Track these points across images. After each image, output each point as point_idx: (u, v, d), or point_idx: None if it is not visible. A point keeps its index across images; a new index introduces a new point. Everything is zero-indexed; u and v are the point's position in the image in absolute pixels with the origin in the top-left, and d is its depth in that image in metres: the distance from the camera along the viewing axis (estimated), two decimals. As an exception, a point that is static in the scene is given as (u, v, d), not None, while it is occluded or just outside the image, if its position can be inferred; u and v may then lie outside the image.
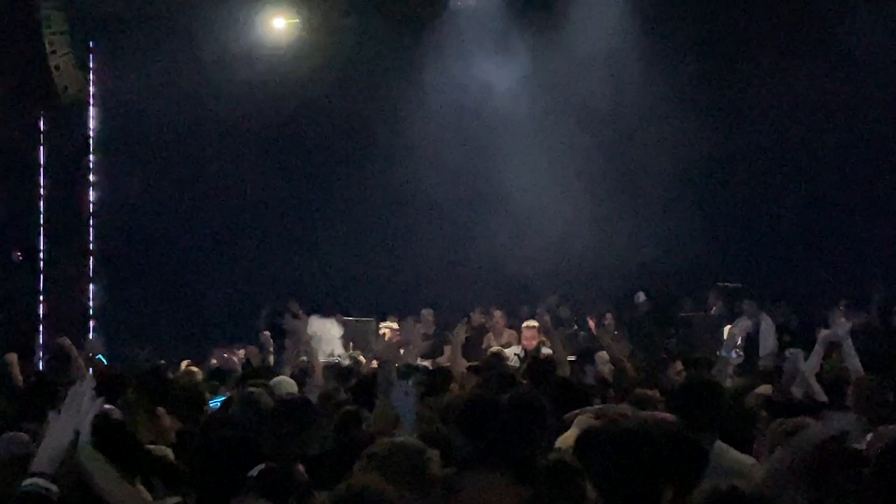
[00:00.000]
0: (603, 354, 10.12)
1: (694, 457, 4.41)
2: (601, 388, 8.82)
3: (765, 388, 7.78)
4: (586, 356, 10.24)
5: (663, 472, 3.78)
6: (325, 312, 14.55)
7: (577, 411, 6.17)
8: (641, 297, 15.68)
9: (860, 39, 15.68)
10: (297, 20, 17.40)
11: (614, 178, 16.56)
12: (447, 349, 13.55)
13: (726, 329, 13.54)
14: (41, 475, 3.72)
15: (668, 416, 6.28)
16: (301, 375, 9.72)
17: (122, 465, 4.59)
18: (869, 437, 5.19)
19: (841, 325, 8.49)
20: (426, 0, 17.27)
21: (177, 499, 4.83)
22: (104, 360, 12.80)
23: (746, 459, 5.42)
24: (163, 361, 12.14)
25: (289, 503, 4.10)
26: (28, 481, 3.74)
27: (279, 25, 17.52)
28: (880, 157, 15.70)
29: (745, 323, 13.73)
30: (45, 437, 4.07)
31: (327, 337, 14.12)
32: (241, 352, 13.05)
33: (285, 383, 8.65)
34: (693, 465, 4.19)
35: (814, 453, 4.43)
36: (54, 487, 3.67)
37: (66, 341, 11.86)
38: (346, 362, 12.01)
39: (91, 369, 11.32)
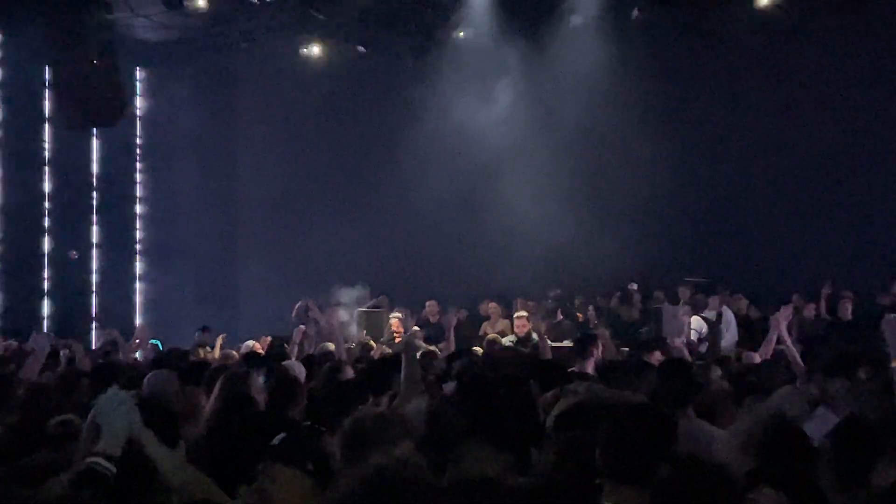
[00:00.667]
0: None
1: (664, 428, 4.30)
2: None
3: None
4: (587, 342, 9.72)
5: (641, 442, 3.80)
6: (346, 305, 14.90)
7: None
8: (634, 285, 15.78)
9: (802, 71, 15.97)
10: (319, 49, 17.50)
11: (593, 188, 16.58)
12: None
13: (693, 318, 13.71)
14: (103, 455, 3.77)
15: (638, 395, 6.53)
16: (322, 359, 9.77)
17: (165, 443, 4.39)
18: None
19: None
20: (430, 32, 17.23)
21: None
22: (160, 345, 12.95)
23: (715, 431, 5.51)
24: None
25: (308, 469, 3.78)
26: (90, 459, 3.79)
27: (307, 53, 17.60)
28: (826, 170, 15.73)
29: (710, 313, 13.88)
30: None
31: (349, 326, 14.41)
32: (268, 339, 12.88)
33: (295, 366, 8.67)
34: (664, 436, 4.06)
35: (760, 429, 4.71)
36: (112, 468, 3.72)
37: (116, 332, 12.06)
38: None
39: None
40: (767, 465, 4.12)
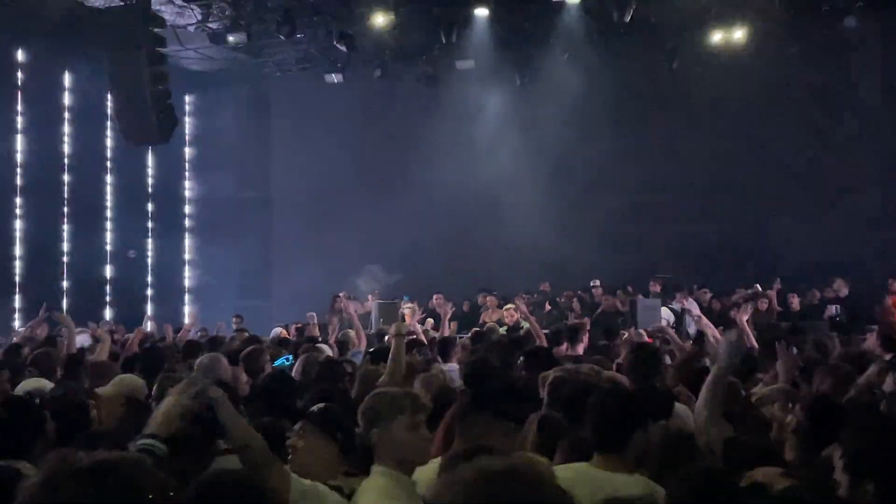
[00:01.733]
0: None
1: (638, 404, 4.21)
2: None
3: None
4: (577, 330, 9.76)
5: (627, 414, 3.77)
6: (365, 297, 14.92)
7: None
8: (595, 282, 15.59)
9: (751, 94, 15.89)
10: (341, 76, 17.47)
11: (575, 198, 16.51)
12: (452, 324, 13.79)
13: (662, 309, 13.70)
14: (154, 436, 3.62)
15: (620, 375, 6.48)
16: (345, 345, 9.84)
17: None
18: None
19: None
20: (437, 63, 17.17)
21: None
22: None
23: (683, 409, 5.34)
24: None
25: (337, 437, 3.82)
26: (144, 441, 3.87)
27: (330, 80, 17.53)
28: (774, 185, 15.74)
29: (678, 305, 13.88)
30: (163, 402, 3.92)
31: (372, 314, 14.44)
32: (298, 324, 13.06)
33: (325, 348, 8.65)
34: (639, 411, 3.98)
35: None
36: (164, 447, 3.56)
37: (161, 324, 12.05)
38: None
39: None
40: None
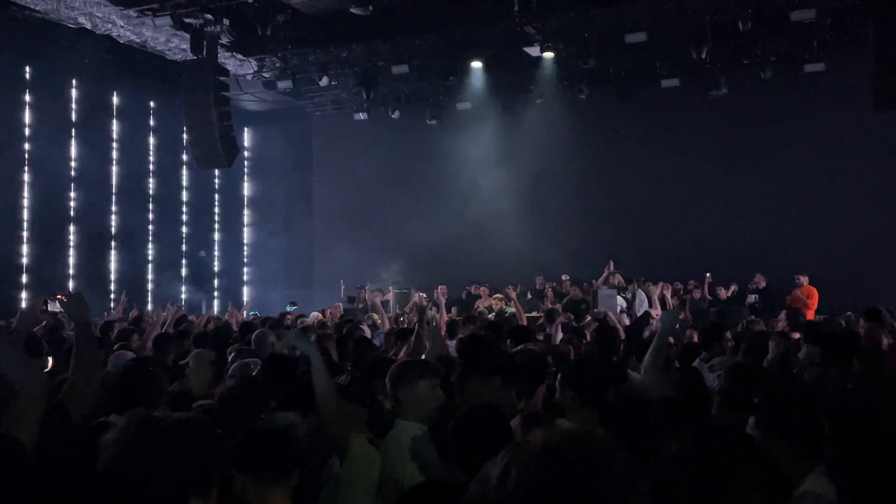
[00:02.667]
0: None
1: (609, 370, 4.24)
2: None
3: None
4: (554, 314, 9.90)
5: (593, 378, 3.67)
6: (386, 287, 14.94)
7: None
8: (566, 276, 15.55)
9: (699, 126, 15.93)
10: (366, 115, 17.47)
11: (549, 210, 16.49)
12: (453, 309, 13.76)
13: (618, 297, 13.64)
14: (209, 397, 3.79)
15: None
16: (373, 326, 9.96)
17: None
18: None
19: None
20: (442, 103, 17.18)
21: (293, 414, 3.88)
22: (258, 314, 12.92)
23: (636, 375, 5.32)
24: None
25: (365, 404, 3.73)
26: (200, 402, 3.78)
27: (358, 118, 17.50)
28: (710, 197, 15.69)
29: (629, 294, 13.85)
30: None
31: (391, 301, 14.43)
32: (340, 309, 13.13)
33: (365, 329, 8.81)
34: (610, 375, 3.93)
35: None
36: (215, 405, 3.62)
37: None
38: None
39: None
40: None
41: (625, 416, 2.95)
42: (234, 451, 2.66)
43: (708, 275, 14.30)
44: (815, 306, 12.83)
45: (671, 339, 6.69)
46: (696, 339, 7.31)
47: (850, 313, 10.61)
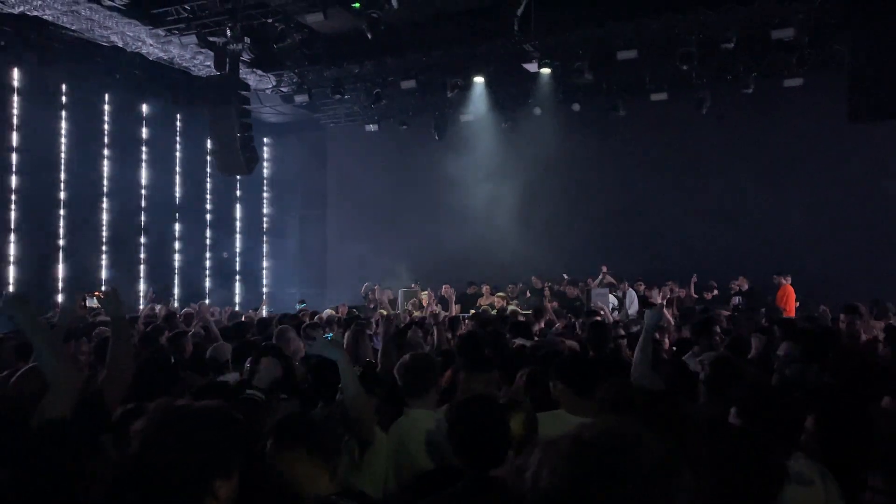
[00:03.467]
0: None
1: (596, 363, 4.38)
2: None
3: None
4: (540, 312, 10.05)
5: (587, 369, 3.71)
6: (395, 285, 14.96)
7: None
8: (566, 276, 15.57)
9: (686, 137, 15.89)
10: (377, 126, 17.50)
11: (548, 217, 16.47)
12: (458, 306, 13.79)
13: (610, 296, 13.68)
14: (258, 388, 3.71)
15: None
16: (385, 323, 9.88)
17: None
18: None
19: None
20: (446, 116, 17.19)
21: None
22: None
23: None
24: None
25: (374, 393, 3.76)
26: (250, 391, 3.79)
27: (369, 129, 17.55)
28: (698, 205, 15.66)
29: (620, 293, 13.88)
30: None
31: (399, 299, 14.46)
32: (346, 307, 13.07)
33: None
34: (600, 366, 4.03)
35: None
36: (263, 396, 3.64)
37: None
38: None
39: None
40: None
41: (761, 408, 2.86)
42: (301, 429, 2.60)
43: (694, 276, 14.36)
44: (792, 306, 12.86)
45: (657, 335, 6.76)
46: (688, 335, 7.31)
47: (823, 307, 10.62)
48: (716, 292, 14.14)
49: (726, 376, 4.00)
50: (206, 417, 1.88)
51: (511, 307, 12.82)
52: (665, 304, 12.17)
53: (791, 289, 13.20)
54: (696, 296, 14.06)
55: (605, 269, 14.51)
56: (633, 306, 13.14)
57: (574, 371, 3.66)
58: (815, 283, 13.24)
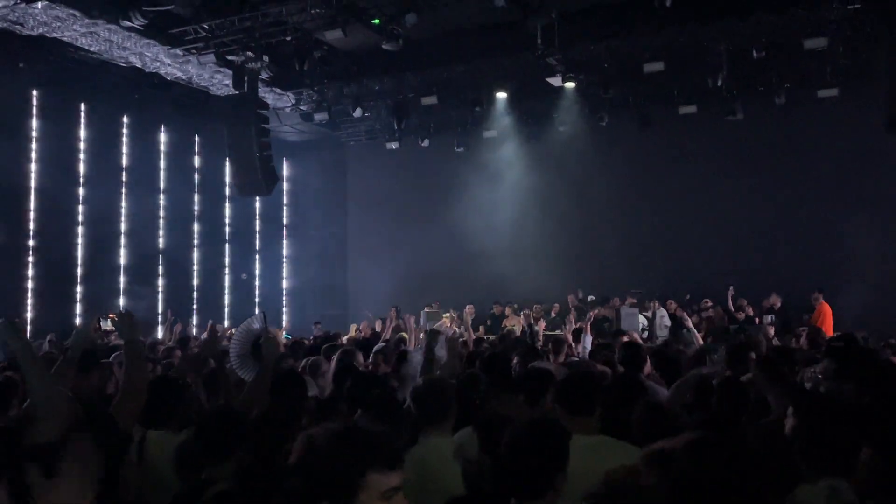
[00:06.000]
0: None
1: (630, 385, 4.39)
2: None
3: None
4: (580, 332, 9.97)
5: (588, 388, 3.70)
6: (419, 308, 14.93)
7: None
8: (591, 297, 15.46)
9: (710, 151, 15.80)
10: (397, 144, 17.60)
11: (572, 236, 16.45)
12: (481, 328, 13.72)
13: (640, 316, 13.52)
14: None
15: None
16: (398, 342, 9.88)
17: None
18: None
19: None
20: (468, 132, 17.19)
21: None
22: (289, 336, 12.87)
23: (662, 389, 5.40)
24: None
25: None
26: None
27: (389, 147, 17.64)
28: (722, 225, 15.54)
29: (650, 312, 13.72)
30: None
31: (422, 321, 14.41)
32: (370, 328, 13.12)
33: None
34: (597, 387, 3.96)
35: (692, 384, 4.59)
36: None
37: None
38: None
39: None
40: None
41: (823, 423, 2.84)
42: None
43: (731, 289, 14.02)
44: (829, 325, 12.60)
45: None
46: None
47: (864, 334, 10.39)
48: (750, 311, 13.91)
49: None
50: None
51: (537, 328, 12.70)
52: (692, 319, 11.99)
53: (828, 307, 12.95)
54: (733, 308, 13.78)
55: (631, 299, 14.36)
56: (663, 326, 13.00)
57: (565, 391, 3.69)
58: (853, 301, 12.98)
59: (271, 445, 3.31)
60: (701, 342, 8.45)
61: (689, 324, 9.51)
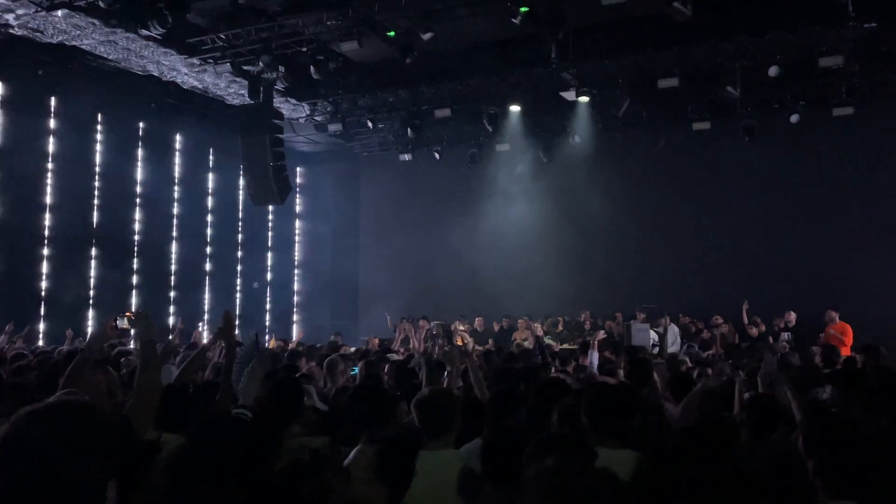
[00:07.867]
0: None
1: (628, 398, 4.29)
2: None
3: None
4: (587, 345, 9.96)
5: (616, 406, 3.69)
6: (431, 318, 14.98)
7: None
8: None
9: (722, 167, 15.81)
10: (410, 155, 17.67)
11: (585, 250, 16.47)
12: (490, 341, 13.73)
13: (651, 332, 13.47)
14: (245, 407, 3.82)
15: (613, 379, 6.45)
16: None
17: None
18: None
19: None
20: (481, 145, 17.22)
21: (324, 439, 3.75)
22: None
23: (670, 405, 5.41)
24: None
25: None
26: (236, 410, 3.86)
27: (403, 158, 17.70)
28: (738, 243, 15.51)
29: (660, 328, 13.67)
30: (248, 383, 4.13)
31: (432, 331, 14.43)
32: (377, 340, 13.15)
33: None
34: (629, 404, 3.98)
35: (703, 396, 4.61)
36: (250, 414, 3.70)
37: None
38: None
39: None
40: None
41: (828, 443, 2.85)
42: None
43: (745, 303, 13.98)
44: (851, 342, 12.49)
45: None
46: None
47: (884, 350, 10.31)
48: (763, 328, 13.86)
49: (766, 416, 3.97)
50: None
51: (549, 341, 12.74)
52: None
53: (847, 325, 12.83)
54: (746, 321, 13.71)
55: (640, 315, 14.34)
56: (674, 341, 12.95)
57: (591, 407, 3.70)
58: (868, 318, 12.91)
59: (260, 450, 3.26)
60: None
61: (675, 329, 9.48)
